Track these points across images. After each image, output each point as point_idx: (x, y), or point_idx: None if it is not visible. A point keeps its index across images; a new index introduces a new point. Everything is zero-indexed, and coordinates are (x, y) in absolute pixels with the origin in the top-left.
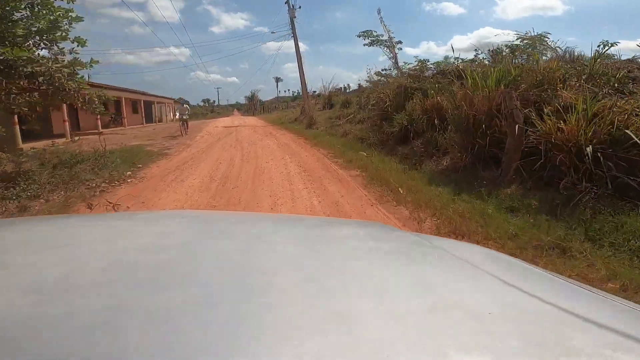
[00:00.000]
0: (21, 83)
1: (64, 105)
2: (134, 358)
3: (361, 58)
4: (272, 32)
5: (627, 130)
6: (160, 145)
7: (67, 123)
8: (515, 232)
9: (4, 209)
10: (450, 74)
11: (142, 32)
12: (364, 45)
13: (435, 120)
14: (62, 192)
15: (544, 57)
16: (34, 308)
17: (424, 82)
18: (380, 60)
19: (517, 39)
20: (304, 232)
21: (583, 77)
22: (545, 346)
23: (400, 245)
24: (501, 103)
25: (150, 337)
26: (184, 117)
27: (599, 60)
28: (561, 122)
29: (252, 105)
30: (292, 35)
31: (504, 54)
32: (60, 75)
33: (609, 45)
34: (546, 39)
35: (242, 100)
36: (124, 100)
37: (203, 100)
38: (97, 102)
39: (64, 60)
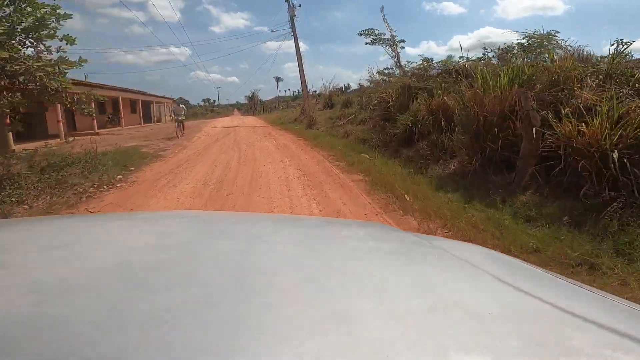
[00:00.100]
0: (1, 83)
1: (58, 105)
2: (134, 358)
3: (361, 57)
4: (272, 31)
5: None
6: (155, 147)
7: (61, 123)
8: (537, 245)
9: None
10: (457, 73)
11: (142, 32)
12: (366, 44)
13: (442, 121)
14: (48, 198)
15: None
16: (34, 308)
17: (429, 82)
18: (381, 59)
19: (523, 38)
20: (304, 232)
21: (600, 76)
22: (545, 346)
23: (400, 245)
24: (515, 104)
25: (150, 337)
26: (180, 118)
27: (617, 59)
28: (582, 124)
29: (253, 105)
30: (292, 34)
31: (514, 52)
32: (42, 74)
33: (625, 44)
34: (555, 38)
35: (243, 100)
36: (121, 100)
37: (203, 100)
38: (86, 103)
39: (50, 60)
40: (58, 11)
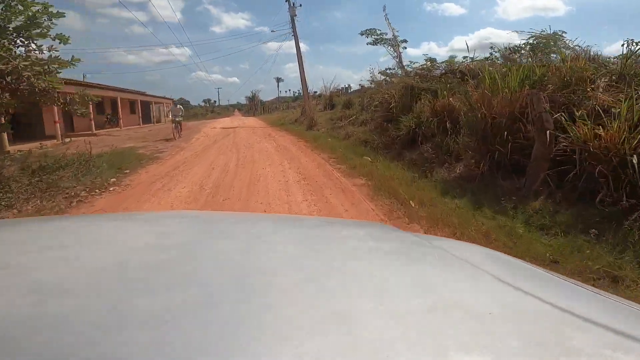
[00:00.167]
0: None
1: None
2: (134, 358)
3: (361, 58)
4: (272, 31)
5: None
6: (153, 148)
7: (58, 124)
8: (554, 256)
9: None
10: (461, 73)
11: (143, 32)
12: (367, 44)
13: (447, 123)
14: (38, 202)
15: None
16: (34, 308)
17: (432, 82)
18: (382, 60)
19: (529, 38)
20: (304, 232)
21: (613, 77)
22: (545, 346)
23: (400, 245)
24: (526, 105)
25: (150, 337)
26: (177, 119)
27: (631, 58)
28: (599, 127)
29: (253, 106)
30: (293, 34)
31: (522, 52)
32: (30, 74)
33: (636, 44)
34: (562, 38)
35: (243, 101)
36: (119, 101)
37: (204, 101)
38: (79, 103)
39: (41, 59)
40: (50, 9)
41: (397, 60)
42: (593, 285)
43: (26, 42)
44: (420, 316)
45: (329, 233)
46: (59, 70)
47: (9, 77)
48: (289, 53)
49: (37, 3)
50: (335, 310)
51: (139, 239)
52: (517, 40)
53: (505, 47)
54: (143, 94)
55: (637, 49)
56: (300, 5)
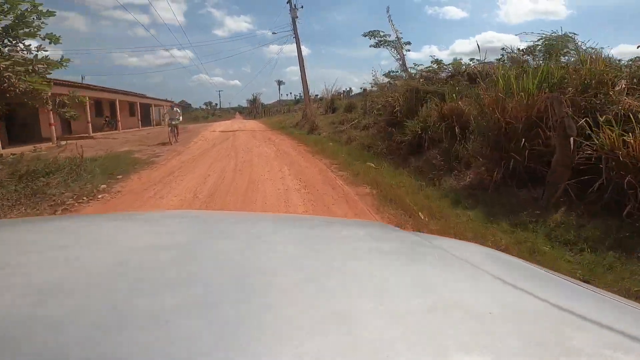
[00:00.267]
0: None
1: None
2: (134, 358)
3: (362, 61)
4: (274, 33)
5: None
6: (149, 152)
7: (53, 127)
8: (584, 275)
9: None
10: (469, 75)
11: (146, 35)
12: (370, 46)
13: (456, 128)
14: (23, 209)
15: (571, 59)
16: (34, 308)
17: (439, 85)
18: (384, 63)
19: (539, 39)
20: (304, 232)
21: (634, 80)
22: (546, 346)
23: (400, 245)
24: (545, 110)
25: (150, 337)
26: (174, 122)
27: None
28: (629, 134)
29: (254, 109)
30: (294, 36)
31: (535, 53)
32: (11, 74)
33: None
34: (573, 39)
35: (245, 104)
36: (118, 103)
37: (205, 103)
38: (68, 106)
39: (27, 59)
40: (39, 8)
41: (401, 62)
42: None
43: (14, 42)
44: (420, 316)
45: (329, 233)
46: (49, 71)
47: None
48: (290, 56)
49: (25, 1)
50: (335, 310)
51: (139, 239)
52: (518, 43)
53: (518, 49)
54: (143, 96)
55: None
56: (302, 7)
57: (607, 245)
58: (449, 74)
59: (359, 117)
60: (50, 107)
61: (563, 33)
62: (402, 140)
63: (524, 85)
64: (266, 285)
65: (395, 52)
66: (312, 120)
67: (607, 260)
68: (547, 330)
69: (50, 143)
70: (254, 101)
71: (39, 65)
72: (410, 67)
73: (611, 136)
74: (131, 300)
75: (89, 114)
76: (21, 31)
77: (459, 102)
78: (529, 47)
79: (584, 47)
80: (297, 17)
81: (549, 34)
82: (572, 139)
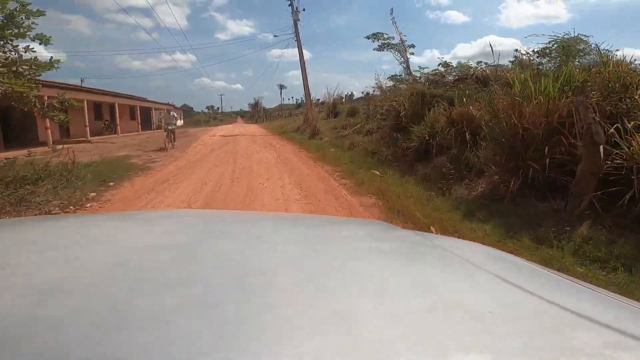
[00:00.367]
0: None
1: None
2: (134, 358)
3: (364, 65)
4: (275, 36)
5: None
6: (146, 157)
7: (49, 130)
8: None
9: None
10: (478, 78)
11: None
12: (374, 49)
13: (467, 134)
14: (7, 218)
15: (586, 61)
16: (34, 308)
17: (446, 89)
18: (386, 67)
19: (550, 42)
20: (304, 232)
21: None
22: (546, 345)
23: (400, 245)
24: (568, 115)
25: (150, 337)
26: (170, 127)
27: None
28: None
29: (256, 113)
30: (296, 39)
31: (552, 55)
32: None
33: None
34: (586, 41)
35: (246, 108)
36: (117, 106)
37: (207, 107)
38: (57, 109)
39: (10, 59)
40: (29, 7)
41: (405, 65)
42: None
43: (1, 43)
44: (420, 316)
45: (329, 233)
46: (39, 73)
47: None
48: (292, 60)
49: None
50: (335, 310)
51: (139, 239)
52: (520, 47)
53: (533, 50)
54: (143, 99)
55: None
56: (304, 10)
57: None
58: (456, 77)
59: (361, 121)
60: (40, 111)
61: (575, 35)
62: (408, 146)
63: (544, 89)
64: (266, 285)
65: (399, 55)
66: (313, 124)
67: None
68: (547, 329)
69: (47, 147)
70: (255, 105)
71: (24, 67)
72: (415, 70)
73: None
74: (131, 300)
75: (87, 117)
76: (8, 31)
77: (470, 107)
78: (543, 49)
79: (600, 49)
80: (298, 19)
81: (560, 36)
82: (601, 147)
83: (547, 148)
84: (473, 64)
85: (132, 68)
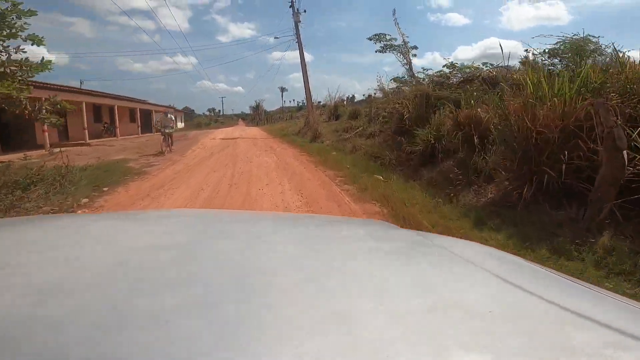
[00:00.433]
0: None
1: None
2: (134, 358)
3: (364, 67)
4: (276, 38)
5: None
6: (143, 161)
7: (46, 133)
8: None
9: None
10: (484, 80)
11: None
12: (376, 51)
13: (475, 137)
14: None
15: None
16: (34, 308)
17: (452, 90)
18: (387, 70)
19: (556, 43)
20: (304, 232)
21: None
22: (546, 345)
23: (400, 245)
24: (586, 118)
25: (150, 337)
26: (167, 131)
27: None
28: None
29: (257, 115)
30: (297, 40)
31: (564, 55)
32: None
33: None
34: (596, 42)
35: (248, 110)
36: (117, 109)
37: (209, 110)
38: (48, 112)
39: (2, 62)
40: (19, 7)
41: (407, 67)
42: None
43: None
44: (420, 316)
45: (329, 233)
46: (32, 74)
47: None
48: (293, 63)
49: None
50: (335, 310)
51: (139, 239)
52: (521, 49)
53: (544, 50)
54: (143, 102)
55: None
56: (305, 11)
57: None
58: (461, 78)
59: (363, 124)
60: (30, 114)
61: (585, 35)
62: (412, 150)
63: (558, 90)
64: (266, 285)
65: (401, 57)
66: (314, 127)
67: None
68: (547, 329)
69: (44, 150)
70: (256, 108)
71: (12, 67)
72: (419, 72)
73: None
74: (131, 300)
75: (85, 120)
76: None
77: (478, 109)
78: (553, 49)
79: (610, 49)
80: (299, 21)
81: (569, 36)
82: (625, 152)
83: (565, 153)
84: (479, 64)
85: (133, 70)
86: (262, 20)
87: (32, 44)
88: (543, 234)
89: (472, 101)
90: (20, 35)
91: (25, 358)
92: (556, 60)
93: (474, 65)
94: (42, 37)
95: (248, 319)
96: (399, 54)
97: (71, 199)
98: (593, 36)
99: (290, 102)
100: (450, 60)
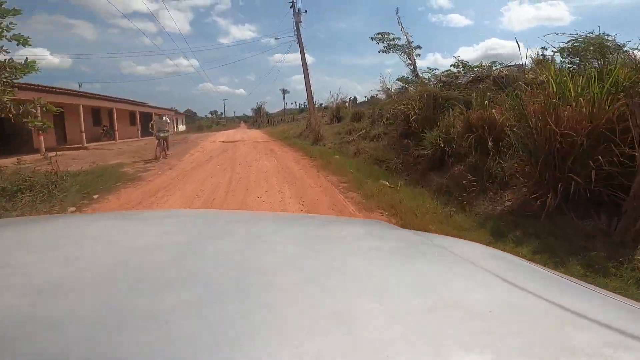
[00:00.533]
0: None
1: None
2: (134, 358)
3: (365, 68)
4: (277, 38)
5: None
6: (139, 166)
7: (42, 137)
8: None
9: None
10: (495, 80)
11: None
12: (379, 51)
13: (489, 140)
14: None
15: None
16: (34, 308)
17: (462, 90)
18: (389, 71)
19: (568, 41)
20: (304, 232)
21: None
22: (546, 345)
23: (400, 245)
24: (619, 120)
25: (150, 337)
26: (162, 135)
27: None
28: None
29: (259, 118)
30: (298, 41)
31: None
32: None
33: None
34: (613, 40)
35: (249, 112)
36: (115, 112)
37: (210, 112)
38: (32, 115)
39: None
40: (4, 6)
41: (412, 67)
42: None
43: None
44: (420, 316)
45: (329, 233)
46: (20, 76)
47: None
48: (294, 65)
49: None
50: (335, 310)
51: (139, 239)
52: (522, 50)
53: (562, 48)
54: (143, 104)
55: None
56: (305, 11)
57: None
58: (470, 78)
59: (367, 126)
60: (15, 117)
61: (600, 33)
62: (420, 153)
63: (581, 90)
64: (266, 285)
65: (405, 57)
66: (316, 130)
67: None
68: (547, 329)
69: (39, 154)
70: (258, 110)
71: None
72: (424, 72)
73: None
74: (131, 300)
75: (82, 123)
76: None
77: (492, 110)
78: (572, 46)
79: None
80: (300, 21)
81: (584, 34)
82: None
83: (596, 157)
84: (488, 63)
85: (136, 73)
86: (263, 22)
87: (17, 44)
88: (572, 247)
89: (486, 102)
90: (5, 36)
91: (25, 358)
92: (576, 59)
93: (483, 64)
94: (28, 37)
95: (248, 318)
96: (402, 54)
97: (58, 207)
98: (608, 34)
99: (292, 104)
100: (459, 58)
